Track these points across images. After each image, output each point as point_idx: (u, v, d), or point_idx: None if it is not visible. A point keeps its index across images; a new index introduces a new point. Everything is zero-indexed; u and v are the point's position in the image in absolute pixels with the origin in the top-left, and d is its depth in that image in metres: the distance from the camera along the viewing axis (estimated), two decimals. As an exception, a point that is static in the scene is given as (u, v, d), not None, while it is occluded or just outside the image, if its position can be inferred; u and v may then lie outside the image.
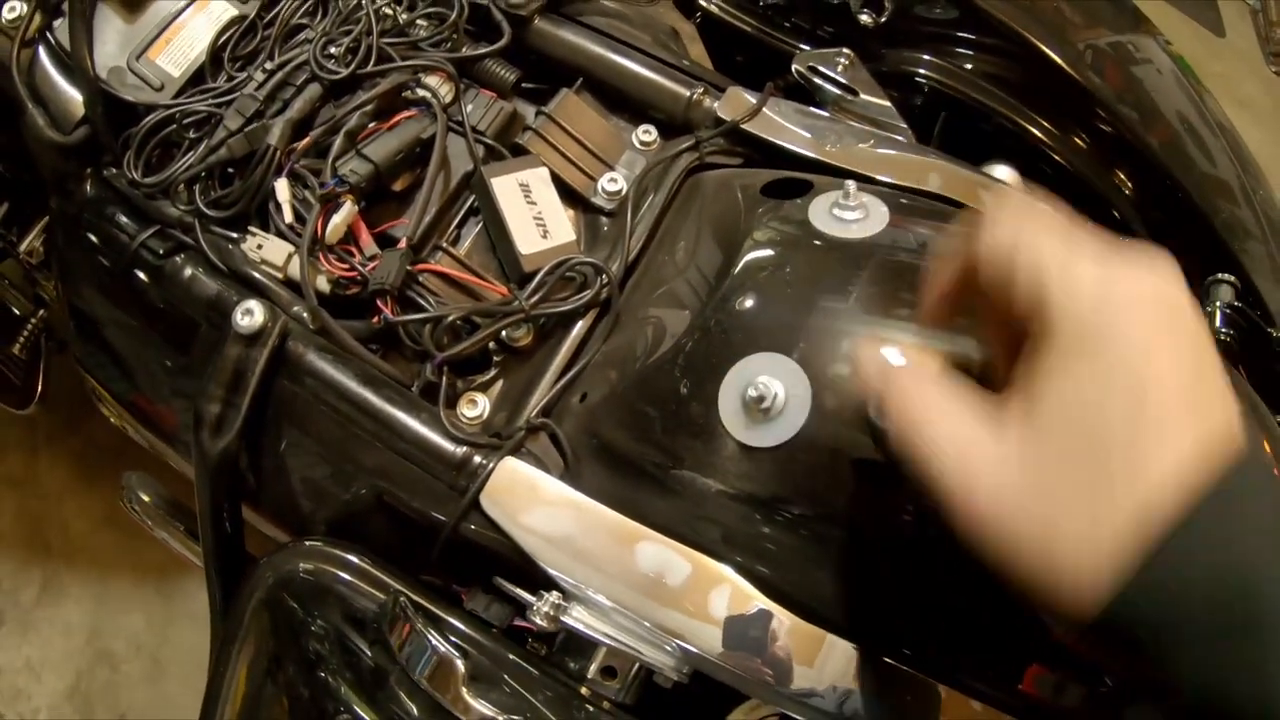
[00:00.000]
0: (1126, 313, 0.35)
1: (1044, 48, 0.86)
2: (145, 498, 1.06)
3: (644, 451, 0.62)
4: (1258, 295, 0.94)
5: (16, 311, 1.30)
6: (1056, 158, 0.92)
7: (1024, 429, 0.36)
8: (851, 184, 0.63)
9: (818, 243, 0.62)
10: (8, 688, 1.47)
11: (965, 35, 0.86)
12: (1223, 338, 0.88)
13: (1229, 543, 0.33)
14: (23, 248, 1.21)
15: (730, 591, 0.59)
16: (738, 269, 0.62)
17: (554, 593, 0.60)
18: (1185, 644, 0.33)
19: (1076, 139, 0.93)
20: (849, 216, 0.63)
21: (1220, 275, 0.91)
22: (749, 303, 0.60)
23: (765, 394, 0.56)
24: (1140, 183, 0.95)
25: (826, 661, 0.58)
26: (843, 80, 0.79)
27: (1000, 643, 0.59)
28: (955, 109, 0.87)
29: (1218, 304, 0.89)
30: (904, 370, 0.43)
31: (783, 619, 0.58)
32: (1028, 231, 0.38)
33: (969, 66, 0.88)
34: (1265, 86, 2.60)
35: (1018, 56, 0.88)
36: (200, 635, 1.59)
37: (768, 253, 0.63)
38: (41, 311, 1.30)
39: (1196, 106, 1.03)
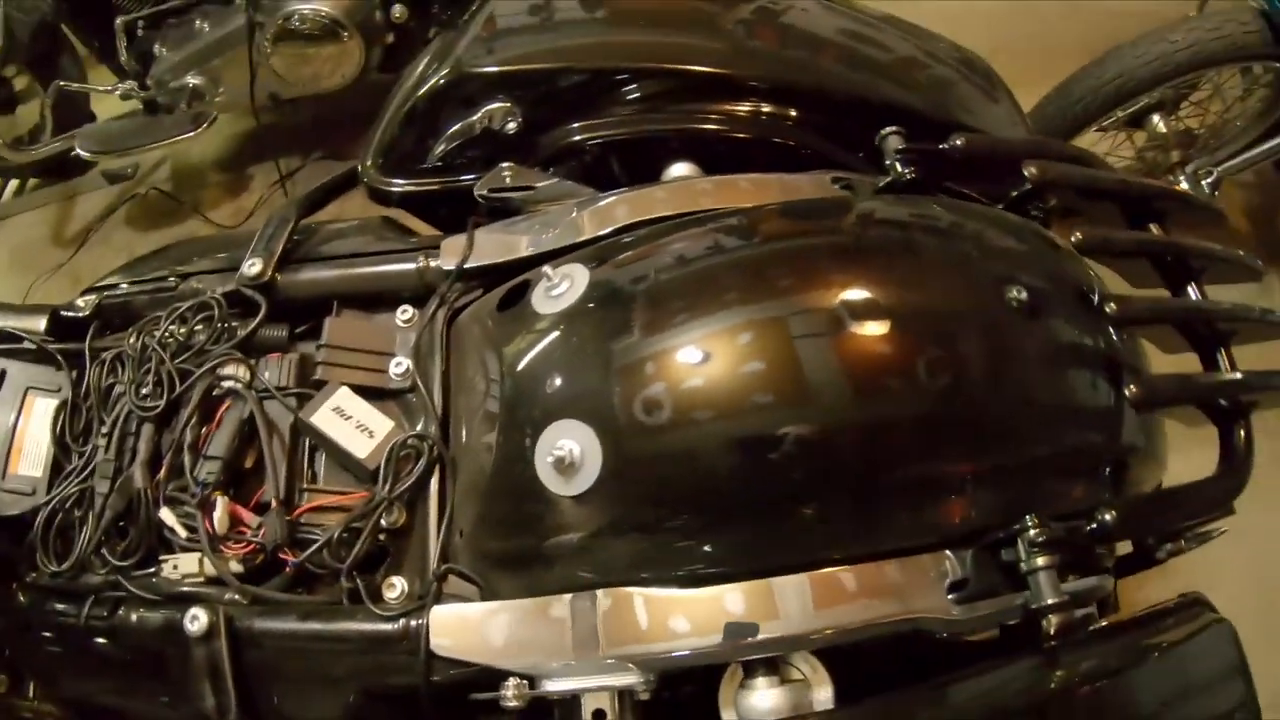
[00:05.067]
0: None
1: (653, 64, 1.02)
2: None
3: (519, 544, 0.78)
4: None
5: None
6: (737, 135, 1.05)
7: None
8: (546, 268, 0.80)
9: (547, 325, 0.79)
10: None
11: (596, 94, 1.03)
12: (908, 177, 0.95)
13: None
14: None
15: (645, 600, 0.73)
16: (508, 377, 0.79)
17: (513, 678, 0.74)
18: None
19: (740, 110, 1.05)
20: (558, 292, 0.80)
21: (882, 130, 0.97)
22: (526, 394, 0.77)
23: (564, 453, 0.72)
24: (824, 110, 1.07)
25: (784, 601, 0.69)
26: (517, 185, 0.96)
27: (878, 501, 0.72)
28: (623, 148, 1.04)
29: (893, 153, 0.96)
30: None
31: (710, 592, 0.70)
32: None
33: (617, 111, 1.05)
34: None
35: (645, 78, 1.04)
36: None
37: (520, 351, 0.79)
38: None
39: (850, 16, 1.18)
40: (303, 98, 1.94)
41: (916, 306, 0.74)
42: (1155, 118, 1.90)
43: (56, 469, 0.95)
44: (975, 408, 0.74)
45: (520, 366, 0.78)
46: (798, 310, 0.73)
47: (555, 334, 0.78)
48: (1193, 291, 0.96)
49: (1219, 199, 1.89)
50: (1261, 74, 1.83)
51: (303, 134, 2.19)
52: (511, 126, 0.98)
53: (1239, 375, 0.90)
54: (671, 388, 0.71)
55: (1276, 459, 1.10)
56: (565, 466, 0.72)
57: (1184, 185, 1.85)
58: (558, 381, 0.75)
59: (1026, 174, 0.88)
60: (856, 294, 0.73)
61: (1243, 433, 0.89)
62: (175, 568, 0.86)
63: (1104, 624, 0.84)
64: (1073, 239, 0.85)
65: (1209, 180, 1.89)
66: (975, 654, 0.79)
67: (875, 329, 0.72)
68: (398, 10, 1.82)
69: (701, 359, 0.72)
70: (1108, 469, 0.82)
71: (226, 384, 0.90)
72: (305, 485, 0.87)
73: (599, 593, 0.74)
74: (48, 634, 0.91)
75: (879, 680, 0.75)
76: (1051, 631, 0.75)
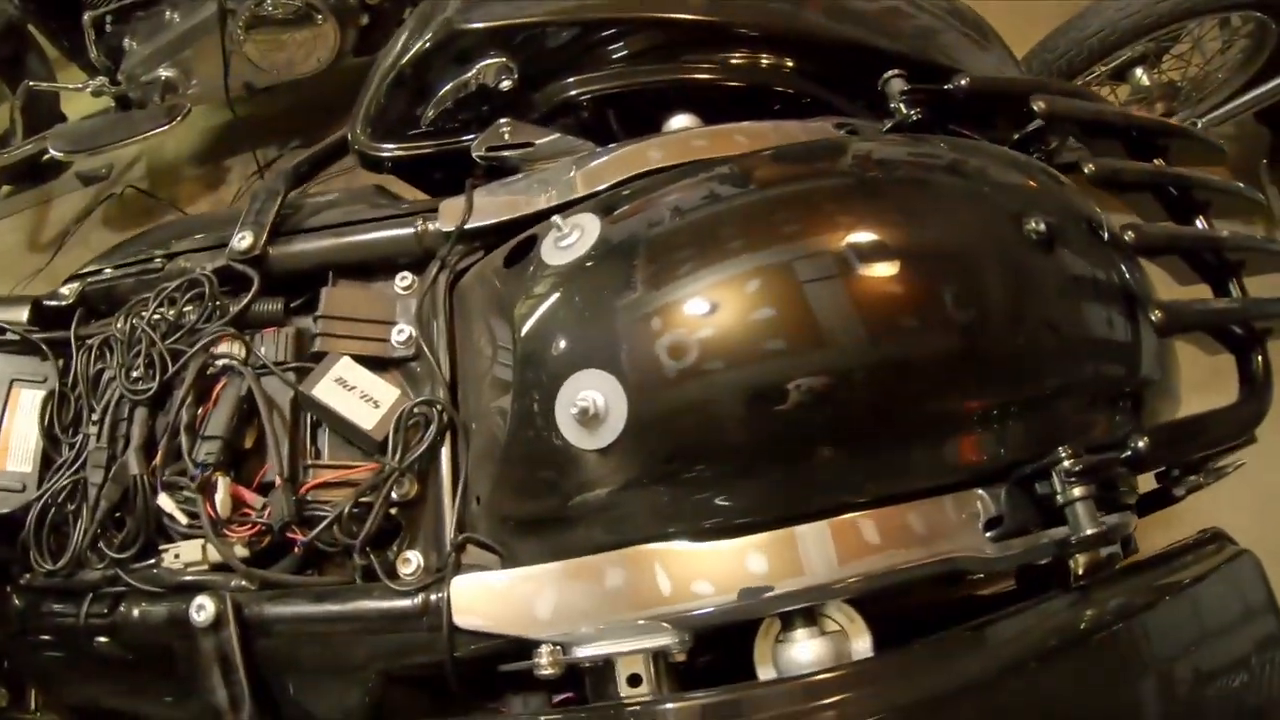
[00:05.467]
0: None
1: (640, 14, 0.99)
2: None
3: (542, 505, 0.75)
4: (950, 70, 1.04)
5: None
6: (731, 84, 1.04)
7: None
8: (556, 219, 0.77)
9: (560, 276, 0.76)
10: None
11: (588, 48, 1.00)
12: (914, 118, 0.95)
13: None
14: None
15: (667, 557, 0.71)
16: (521, 333, 0.76)
17: (546, 645, 0.71)
18: None
19: (732, 59, 1.04)
20: (568, 242, 0.77)
21: (886, 74, 0.97)
22: (542, 348, 0.74)
23: (587, 404, 0.69)
24: (814, 58, 1.06)
25: (808, 549, 0.68)
26: (515, 142, 0.93)
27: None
28: (619, 102, 1.01)
29: (897, 95, 0.96)
30: None
31: (737, 544, 0.68)
32: None
33: (610, 65, 1.02)
34: None
35: (634, 29, 1.01)
36: None
37: (533, 306, 0.76)
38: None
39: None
40: (278, 85, 1.90)
41: (942, 241, 0.73)
42: (1138, 71, 1.90)
43: (46, 463, 0.91)
44: (1004, 340, 0.72)
45: (534, 321, 0.75)
46: (825, 248, 0.71)
47: (569, 284, 0.75)
48: (1200, 223, 0.95)
49: (1203, 150, 1.91)
50: (1240, 25, 1.84)
51: (279, 123, 2.15)
52: (506, 83, 0.95)
53: (1256, 301, 0.89)
54: (696, 331, 0.69)
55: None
56: (589, 418, 0.69)
57: (1170, 136, 1.86)
58: (575, 332, 0.73)
59: (1035, 108, 0.87)
60: (881, 231, 0.71)
61: (1260, 359, 0.89)
62: (177, 556, 0.82)
63: (1128, 563, 0.83)
64: (1085, 170, 0.83)
65: (1194, 132, 1.91)
66: (992, 605, 0.78)
67: (904, 264, 0.70)
68: (372, -10, 1.79)
69: (726, 301, 0.70)
70: (1131, 400, 0.81)
71: (221, 362, 0.86)
72: (310, 461, 0.84)
73: (622, 552, 0.71)
74: (47, 637, 0.87)
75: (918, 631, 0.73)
76: (1080, 571, 0.75)
